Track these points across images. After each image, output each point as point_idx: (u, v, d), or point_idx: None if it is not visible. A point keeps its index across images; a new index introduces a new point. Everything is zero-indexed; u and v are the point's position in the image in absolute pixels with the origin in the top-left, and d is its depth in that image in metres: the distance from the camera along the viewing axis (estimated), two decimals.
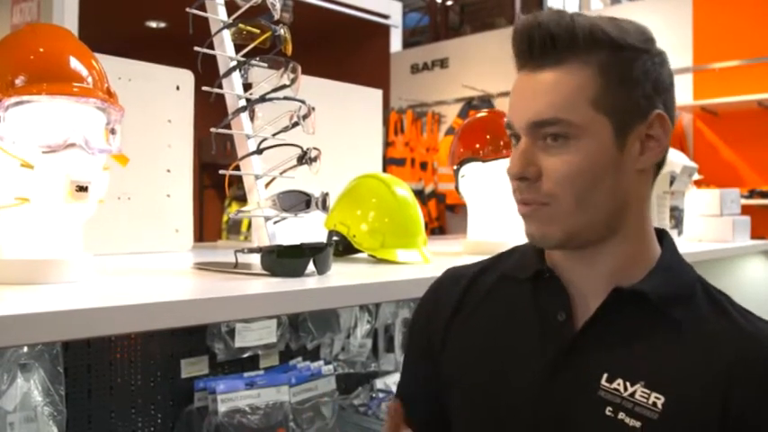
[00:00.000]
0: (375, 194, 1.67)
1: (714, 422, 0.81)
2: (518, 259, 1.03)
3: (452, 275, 1.10)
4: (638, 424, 0.82)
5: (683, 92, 5.10)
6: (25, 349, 1.35)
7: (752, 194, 4.62)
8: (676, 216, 2.55)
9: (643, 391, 0.83)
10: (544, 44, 0.87)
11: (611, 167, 0.87)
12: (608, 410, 0.84)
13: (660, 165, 0.94)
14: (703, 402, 0.82)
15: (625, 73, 0.87)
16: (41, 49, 1.08)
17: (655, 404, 0.83)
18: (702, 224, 2.93)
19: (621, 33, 0.88)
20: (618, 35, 0.87)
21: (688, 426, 0.81)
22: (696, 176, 2.93)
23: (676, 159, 2.88)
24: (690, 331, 0.87)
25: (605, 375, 0.86)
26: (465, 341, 1.01)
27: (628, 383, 0.85)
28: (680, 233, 2.60)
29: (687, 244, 2.67)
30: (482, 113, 2.06)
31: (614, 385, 0.85)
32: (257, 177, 1.36)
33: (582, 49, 0.86)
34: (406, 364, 1.13)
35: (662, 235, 0.97)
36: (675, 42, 5.13)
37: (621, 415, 0.83)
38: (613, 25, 0.88)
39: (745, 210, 3.21)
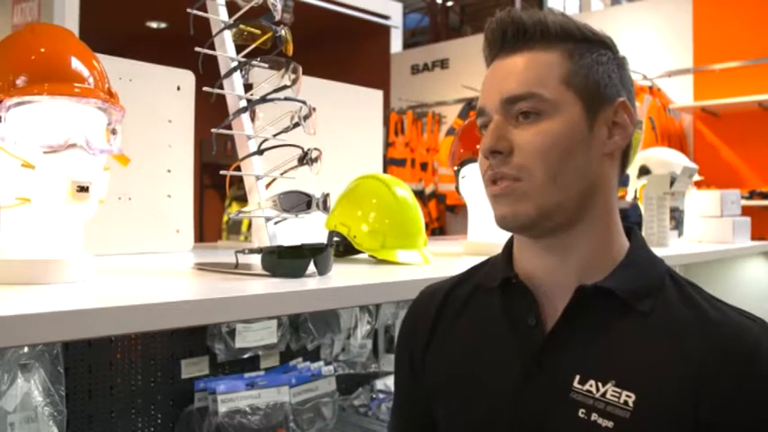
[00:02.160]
0: (375, 195, 1.67)
1: (686, 416, 0.80)
2: (488, 269, 1.05)
3: (428, 293, 1.11)
4: (610, 424, 0.83)
5: (684, 93, 5.10)
6: (26, 349, 1.36)
7: (752, 195, 4.62)
8: (676, 217, 2.54)
9: (614, 391, 0.84)
10: (516, 34, 0.92)
11: (582, 145, 0.90)
12: (581, 412, 0.85)
13: (626, 158, 0.96)
14: (674, 396, 0.81)
15: (593, 59, 0.91)
16: (42, 50, 1.08)
17: (626, 402, 0.83)
18: (703, 225, 2.93)
19: (589, 29, 0.93)
20: (586, 29, 0.93)
21: (660, 421, 0.81)
22: (696, 177, 2.93)
23: (676, 160, 2.89)
24: (658, 324, 0.87)
25: (577, 377, 0.86)
26: (444, 354, 1.02)
27: (599, 384, 0.85)
28: (680, 234, 2.59)
29: (687, 245, 2.67)
30: None
31: (587, 387, 0.85)
32: (258, 178, 1.36)
33: (552, 39, 0.91)
34: (397, 384, 1.15)
35: (631, 232, 0.98)
36: (676, 43, 5.14)
37: (594, 416, 0.84)
38: (582, 24, 0.93)
39: (746, 211, 3.20)
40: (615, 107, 0.92)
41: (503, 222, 0.93)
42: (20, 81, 1.03)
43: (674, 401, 0.81)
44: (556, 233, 0.92)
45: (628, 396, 0.83)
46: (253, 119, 1.40)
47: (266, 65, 1.40)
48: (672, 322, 0.87)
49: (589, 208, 0.91)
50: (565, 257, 0.92)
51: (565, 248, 0.92)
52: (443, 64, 6.77)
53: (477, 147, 1.85)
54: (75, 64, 1.08)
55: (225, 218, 6.28)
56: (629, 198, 2.71)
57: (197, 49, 1.33)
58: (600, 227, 0.92)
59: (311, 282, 1.21)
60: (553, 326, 0.90)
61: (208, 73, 1.42)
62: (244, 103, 1.39)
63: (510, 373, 0.91)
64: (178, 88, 1.90)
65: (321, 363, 2.06)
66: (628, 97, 0.93)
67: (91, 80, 1.09)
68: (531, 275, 0.95)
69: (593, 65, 0.90)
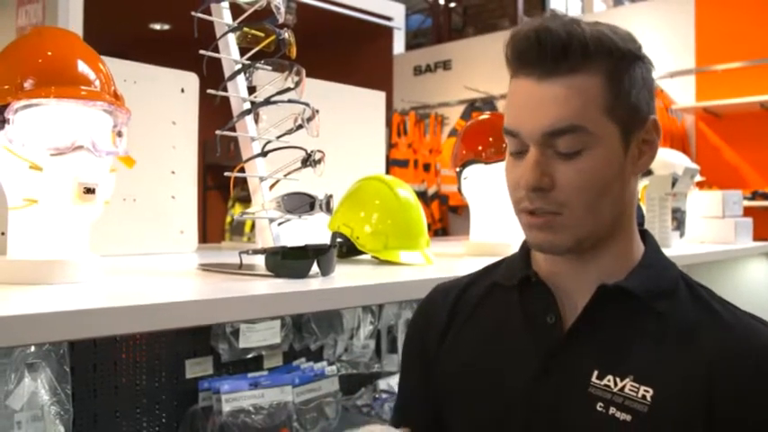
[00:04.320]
0: (378, 196, 1.68)
1: (699, 414, 0.82)
2: (505, 268, 1.06)
3: (441, 290, 1.12)
4: (628, 417, 0.84)
5: (686, 93, 5.10)
6: (32, 349, 1.37)
7: (754, 196, 4.62)
8: (678, 218, 2.55)
9: (632, 385, 0.85)
10: (556, 53, 0.86)
11: (618, 173, 0.90)
12: (599, 406, 0.86)
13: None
14: (688, 393, 0.83)
15: (630, 80, 0.88)
16: (50, 53, 1.09)
17: (644, 397, 0.84)
18: (704, 226, 2.94)
19: (623, 42, 0.89)
20: (622, 44, 0.89)
21: (676, 417, 0.83)
22: (698, 178, 2.94)
23: (678, 161, 2.89)
24: (673, 323, 0.89)
25: (596, 372, 0.88)
26: (460, 350, 1.03)
27: (617, 379, 0.86)
28: (682, 235, 2.60)
29: (689, 246, 2.67)
30: (484, 115, 2.07)
31: (605, 382, 0.87)
32: (262, 179, 1.37)
33: (592, 59, 0.87)
34: (404, 382, 1.15)
35: (644, 234, 1.00)
36: (678, 44, 5.14)
37: (612, 410, 0.85)
38: (614, 33, 0.89)
39: (748, 211, 3.21)
40: (647, 127, 0.92)
41: (538, 248, 0.94)
42: (27, 84, 1.05)
43: (689, 398, 0.83)
44: (585, 249, 0.93)
45: (646, 391, 0.85)
46: (256, 121, 1.42)
47: (270, 67, 1.41)
48: (686, 322, 0.89)
49: (619, 225, 0.93)
50: (587, 262, 0.94)
51: (589, 258, 0.94)
52: (446, 65, 6.78)
53: (480, 148, 1.88)
54: (82, 67, 1.10)
55: (228, 219, 6.30)
56: None
57: (201, 51, 1.34)
58: (623, 238, 0.95)
59: (314, 282, 1.22)
60: (573, 323, 0.92)
61: (211, 74, 1.43)
62: (248, 106, 1.40)
63: (527, 368, 0.93)
64: (182, 90, 1.91)
65: (324, 363, 2.07)
66: (653, 107, 0.93)
67: (97, 83, 1.10)
68: (550, 275, 0.97)
69: (630, 88, 0.88)
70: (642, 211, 2.48)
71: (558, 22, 0.88)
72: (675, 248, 2.42)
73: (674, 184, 2.49)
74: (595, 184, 0.88)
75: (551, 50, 0.86)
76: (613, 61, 0.87)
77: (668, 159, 2.89)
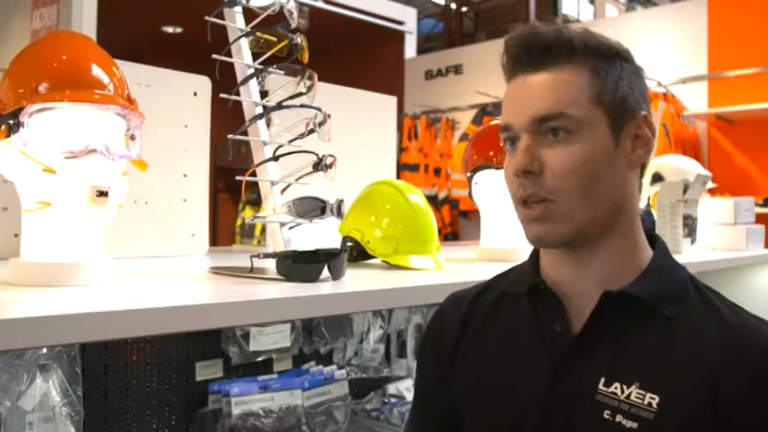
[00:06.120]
0: (389, 201, 1.68)
1: (706, 418, 0.82)
2: (514, 277, 1.07)
3: (454, 299, 1.13)
4: (634, 425, 0.84)
5: (698, 100, 5.08)
6: (44, 350, 1.38)
7: (766, 203, 4.59)
8: (689, 224, 2.54)
9: (638, 392, 0.86)
10: (542, 49, 0.92)
11: (609, 162, 0.92)
12: (606, 414, 0.87)
13: (643, 168, 0.99)
14: (694, 399, 0.83)
15: (617, 75, 0.93)
16: (64, 57, 1.10)
17: (650, 404, 0.85)
18: (716, 233, 2.92)
19: (610, 43, 0.94)
20: (607, 44, 0.94)
21: (682, 423, 0.83)
22: (710, 185, 2.92)
23: (690, 167, 2.88)
24: (681, 329, 0.89)
25: (603, 380, 0.88)
26: (473, 360, 1.04)
27: (624, 386, 0.87)
28: (693, 242, 2.59)
29: (700, 252, 2.66)
30: (496, 121, 2.07)
31: (612, 389, 0.87)
32: (273, 183, 1.38)
33: (577, 57, 0.92)
34: (418, 389, 1.16)
35: (654, 239, 1.00)
36: (690, 50, 5.12)
37: (619, 417, 0.86)
38: (601, 36, 0.95)
39: (760, 218, 3.19)
40: (638, 121, 0.94)
41: (537, 242, 0.95)
42: (42, 88, 1.06)
43: (695, 403, 0.83)
44: (585, 245, 0.94)
45: (652, 398, 0.85)
46: (268, 125, 1.42)
47: (282, 72, 1.42)
48: (694, 326, 0.89)
49: (616, 220, 0.94)
50: (591, 266, 0.94)
51: (591, 257, 0.94)
52: (457, 69, 6.77)
53: (491, 154, 1.88)
54: (96, 71, 1.11)
55: (238, 221, 6.33)
56: (643, 205, 2.70)
57: (214, 56, 1.35)
58: (624, 236, 0.95)
59: (325, 286, 1.22)
60: (580, 331, 0.92)
61: (223, 78, 1.44)
62: (260, 110, 1.40)
63: (538, 376, 0.93)
64: (195, 94, 1.92)
65: (334, 366, 2.07)
66: (646, 108, 0.96)
67: (111, 87, 1.11)
68: (557, 282, 0.98)
69: (618, 80, 0.92)
70: (653, 217, 2.48)
71: (546, 27, 0.94)
72: (686, 255, 2.40)
73: (685, 191, 2.48)
74: (584, 169, 0.90)
75: (537, 47, 0.92)
76: (600, 58, 0.92)
77: (680, 166, 2.88)
